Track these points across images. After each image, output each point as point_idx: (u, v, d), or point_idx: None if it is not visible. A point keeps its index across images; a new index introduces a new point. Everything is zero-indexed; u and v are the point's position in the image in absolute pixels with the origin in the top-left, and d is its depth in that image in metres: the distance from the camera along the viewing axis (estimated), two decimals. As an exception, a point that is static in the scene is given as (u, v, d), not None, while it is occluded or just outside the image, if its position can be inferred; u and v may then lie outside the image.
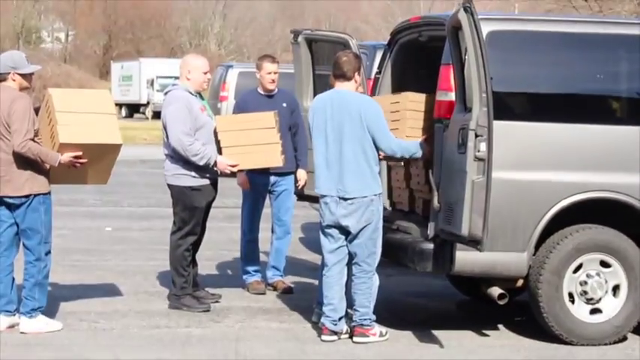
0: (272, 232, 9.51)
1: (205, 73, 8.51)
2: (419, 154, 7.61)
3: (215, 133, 8.39)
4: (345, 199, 7.45)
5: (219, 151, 8.36)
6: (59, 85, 39.11)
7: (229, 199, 13.88)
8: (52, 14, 78.03)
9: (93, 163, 7.67)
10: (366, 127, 7.39)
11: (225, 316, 8.37)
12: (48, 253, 7.69)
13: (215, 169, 8.38)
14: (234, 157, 8.33)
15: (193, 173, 8.36)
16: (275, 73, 9.27)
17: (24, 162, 7.46)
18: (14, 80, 7.58)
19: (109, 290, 9.19)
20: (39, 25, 74.15)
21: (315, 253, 11.15)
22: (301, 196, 9.49)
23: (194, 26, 71.81)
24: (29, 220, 7.58)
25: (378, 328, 7.67)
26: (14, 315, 7.71)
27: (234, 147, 8.34)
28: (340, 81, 7.58)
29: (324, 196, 7.56)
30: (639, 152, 7.63)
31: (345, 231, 7.54)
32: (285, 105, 9.16)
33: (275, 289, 9.39)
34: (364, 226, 7.47)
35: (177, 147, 8.24)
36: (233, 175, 8.71)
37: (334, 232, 7.57)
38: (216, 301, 8.78)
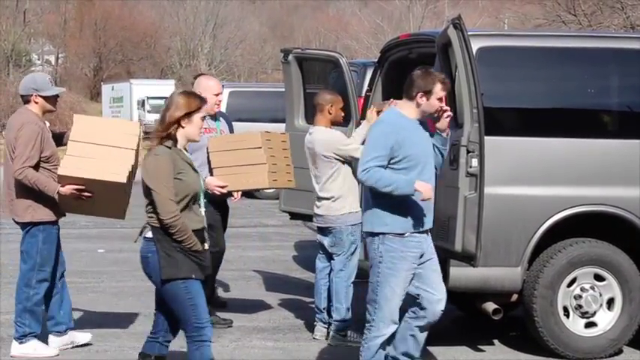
0: None
1: (216, 95, 8.43)
2: (400, 190, 6.27)
3: (207, 154, 8.33)
4: None
5: (212, 172, 8.27)
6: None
7: (233, 218, 13.84)
8: (42, 37, 78.10)
9: (99, 197, 7.40)
10: None
11: (220, 335, 8.34)
12: (42, 281, 7.57)
13: (207, 190, 8.28)
14: (223, 178, 8.19)
15: None
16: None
17: (26, 189, 7.39)
18: (36, 103, 7.48)
19: (103, 312, 9.16)
20: (29, 48, 74.17)
21: (308, 271, 11.16)
22: (294, 214, 9.47)
23: (184, 47, 71.91)
24: (26, 244, 7.55)
25: None
26: (65, 335, 7.72)
27: (222, 167, 8.20)
28: (402, 97, 6.61)
29: None
30: (630, 165, 7.66)
31: None
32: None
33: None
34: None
35: None
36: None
37: None
38: (229, 326, 8.66)
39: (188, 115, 5.85)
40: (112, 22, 72.39)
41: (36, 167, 7.36)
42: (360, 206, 8.40)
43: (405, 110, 6.40)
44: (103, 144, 7.30)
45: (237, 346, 8.04)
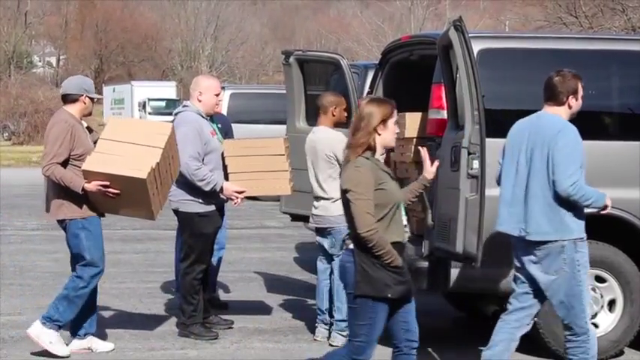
0: None
1: (217, 95, 8.31)
2: (599, 203, 6.47)
3: (222, 158, 8.19)
4: (533, 243, 6.45)
5: (227, 176, 8.17)
6: (50, 109, 38.97)
7: (235, 220, 13.87)
8: (43, 39, 78.20)
9: (127, 195, 7.36)
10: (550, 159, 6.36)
11: (221, 337, 8.34)
12: (94, 275, 7.63)
13: (221, 195, 8.15)
14: (242, 184, 8.11)
15: (200, 199, 8.12)
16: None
17: (59, 187, 7.42)
18: (84, 103, 7.62)
19: (104, 313, 9.16)
20: (30, 50, 74.29)
21: (309, 273, 11.16)
22: (295, 216, 9.47)
23: (185, 48, 71.96)
24: (72, 245, 7.61)
25: None
26: (84, 339, 7.72)
27: (241, 173, 8.09)
28: (549, 105, 6.55)
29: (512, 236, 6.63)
30: (631, 167, 7.66)
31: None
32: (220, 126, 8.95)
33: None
34: (555, 278, 6.41)
35: (183, 170, 7.97)
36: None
37: (523, 275, 6.62)
38: (229, 327, 8.63)
39: (384, 121, 5.77)
40: (113, 23, 72.46)
41: (65, 165, 7.40)
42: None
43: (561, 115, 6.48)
44: (130, 142, 7.34)
45: (238, 347, 8.04)
